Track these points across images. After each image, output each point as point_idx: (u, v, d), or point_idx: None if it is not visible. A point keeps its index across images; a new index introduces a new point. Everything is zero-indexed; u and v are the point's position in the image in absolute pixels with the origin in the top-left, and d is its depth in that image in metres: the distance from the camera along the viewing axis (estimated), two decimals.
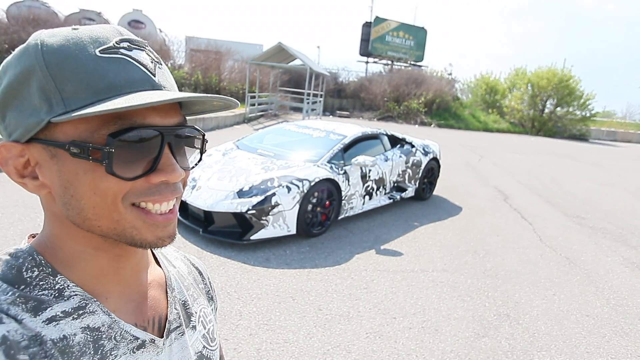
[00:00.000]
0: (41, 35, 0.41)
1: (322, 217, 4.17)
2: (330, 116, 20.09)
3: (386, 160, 5.03)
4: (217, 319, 0.67)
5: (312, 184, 3.88)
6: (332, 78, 22.31)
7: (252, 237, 3.66)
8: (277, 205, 3.69)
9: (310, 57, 17.23)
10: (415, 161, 5.49)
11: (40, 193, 0.44)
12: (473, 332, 2.74)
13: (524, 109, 22.59)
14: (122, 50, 0.41)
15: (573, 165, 11.74)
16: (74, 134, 0.40)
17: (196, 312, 0.58)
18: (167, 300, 0.54)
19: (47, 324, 0.41)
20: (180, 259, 0.64)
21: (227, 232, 3.76)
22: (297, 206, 3.80)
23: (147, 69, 0.42)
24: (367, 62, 26.18)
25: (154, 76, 0.42)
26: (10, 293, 0.40)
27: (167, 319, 0.52)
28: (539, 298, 3.30)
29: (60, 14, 16.47)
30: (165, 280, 0.56)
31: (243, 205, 3.65)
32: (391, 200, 5.18)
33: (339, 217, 4.41)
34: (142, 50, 0.43)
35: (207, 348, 0.58)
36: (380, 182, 4.90)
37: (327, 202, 4.16)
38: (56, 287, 0.43)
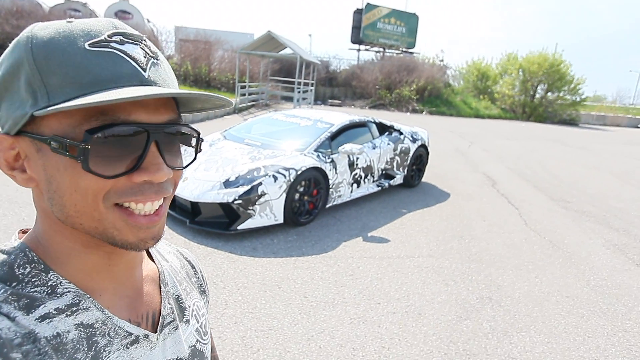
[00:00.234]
0: (34, 29, 0.41)
1: (310, 206, 4.19)
2: (322, 105, 20.00)
3: (374, 148, 5.04)
4: (209, 312, 0.69)
5: (299, 172, 3.89)
6: (323, 66, 22.14)
7: (239, 227, 3.68)
8: (263, 194, 3.70)
9: (301, 45, 17.07)
10: (403, 148, 5.51)
11: (28, 186, 0.44)
12: (455, 315, 2.80)
13: (515, 95, 22.65)
14: (113, 44, 0.40)
15: (562, 150, 11.85)
16: (57, 128, 0.39)
17: (189, 306, 0.58)
18: (161, 295, 0.54)
19: (40, 322, 0.40)
20: (173, 253, 0.64)
21: (214, 223, 3.77)
22: (284, 195, 3.82)
23: (138, 64, 0.40)
24: (359, 50, 25.99)
25: (144, 71, 0.41)
26: (2, 291, 0.40)
27: (160, 313, 0.52)
28: (521, 281, 3.37)
29: (44, 6, 16.09)
30: (158, 275, 0.56)
31: (229, 196, 3.66)
32: (379, 188, 5.21)
33: (327, 206, 4.44)
34: (137, 44, 0.42)
35: (200, 342, 0.58)
36: (368, 170, 4.93)
37: (315, 191, 4.18)
38: (49, 284, 0.43)
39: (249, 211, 3.68)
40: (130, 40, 0.41)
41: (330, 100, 21.34)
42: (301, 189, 4.04)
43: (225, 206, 3.70)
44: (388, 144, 5.28)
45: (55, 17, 14.73)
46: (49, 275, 0.43)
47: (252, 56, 16.09)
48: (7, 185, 4.16)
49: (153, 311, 0.52)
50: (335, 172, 4.37)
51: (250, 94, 15.18)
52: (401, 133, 5.60)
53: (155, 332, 0.50)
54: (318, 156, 4.22)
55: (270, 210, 3.78)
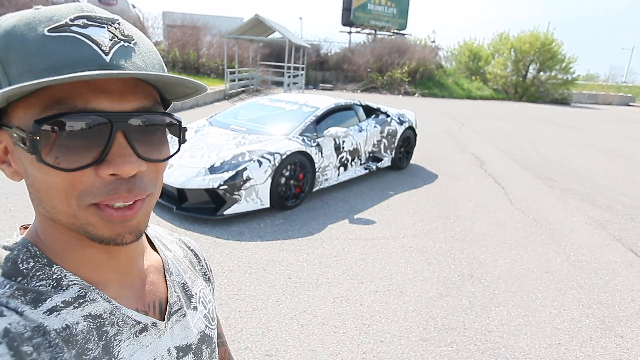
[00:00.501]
0: (2, 18, 0.39)
1: (296, 190, 4.22)
2: (314, 89, 19.84)
3: (360, 131, 5.05)
4: (215, 298, 0.69)
5: (284, 157, 3.90)
6: (314, 50, 21.87)
7: (225, 212, 3.70)
8: (248, 179, 3.72)
9: (292, 28, 16.83)
10: (390, 131, 5.52)
11: (15, 180, 0.43)
12: (436, 292, 2.87)
13: (507, 75, 22.58)
14: (73, 28, 0.37)
15: (552, 129, 11.91)
16: (22, 120, 0.38)
17: (196, 294, 0.59)
18: (167, 284, 0.54)
19: (48, 315, 0.40)
20: (175, 243, 0.64)
21: (201, 209, 3.79)
22: (270, 180, 3.84)
23: (100, 47, 0.38)
24: (350, 33, 25.64)
25: (106, 55, 0.38)
26: (7, 286, 0.40)
27: (167, 302, 0.53)
28: (502, 258, 3.45)
29: None
30: (162, 264, 0.56)
31: (215, 181, 3.67)
32: (367, 171, 5.24)
33: (314, 189, 4.47)
34: (103, 27, 0.39)
35: (208, 327, 0.59)
36: (354, 153, 4.94)
37: (301, 175, 4.20)
38: (54, 277, 0.43)
39: (234, 196, 3.70)
40: (95, 23, 0.39)
41: (321, 85, 21.16)
42: (287, 173, 4.06)
43: (211, 192, 3.72)
44: (375, 126, 5.29)
45: (36, 3, 14.34)
46: (53, 268, 0.43)
47: (241, 41, 15.85)
48: None
49: (160, 300, 0.53)
50: (321, 156, 4.38)
51: (240, 80, 15.00)
52: (388, 115, 5.60)
53: (163, 320, 0.51)
54: (303, 140, 4.23)
55: (256, 195, 3.80)
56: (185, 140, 0.48)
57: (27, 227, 0.48)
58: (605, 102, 25.73)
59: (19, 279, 0.42)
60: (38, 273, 0.43)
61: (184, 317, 0.54)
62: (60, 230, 0.44)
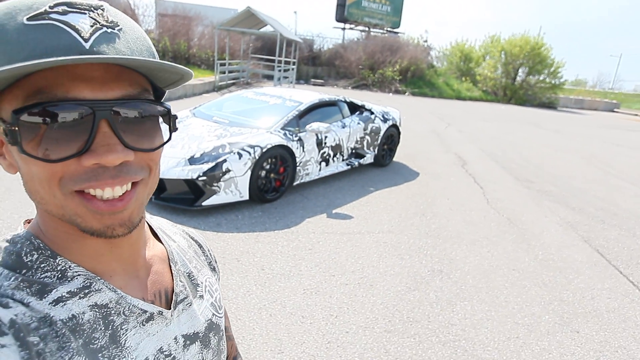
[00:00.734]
0: None
1: (277, 183, 4.26)
2: (305, 84, 19.83)
3: (343, 127, 5.10)
4: (221, 288, 0.71)
5: (264, 150, 3.94)
6: (306, 45, 21.82)
7: (203, 203, 3.73)
8: (228, 171, 3.75)
9: (286, 22, 16.76)
10: (374, 128, 5.59)
11: (10, 172, 0.43)
12: (405, 286, 2.95)
13: (496, 77, 22.84)
14: (52, 15, 0.36)
15: (536, 132, 12.13)
16: (6, 111, 0.38)
17: (202, 282, 0.59)
18: (172, 274, 0.55)
19: (54, 305, 0.41)
20: (179, 234, 0.64)
21: (180, 199, 3.81)
22: (249, 172, 3.87)
23: (80, 34, 0.37)
24: (343, 29, 25.63)
25: (86, 41, 0.37)
26: (12, 278, 0.40)
27: (173, 291, 0.53)
28: (473, 255, 3.55)
29: None
30: (167, 254, 0.56)
31: (194, 172, 3.69)
32: (349, 167, 5.31)
33: (295, 183, 4.51)
34: (84, 13, 0.38)
35: (215, 315, 0.59)
36: (337, 148, 5.00)
37: (281, 169, 4.25)
38: (58, 269, 0.43)
39: (213, 187, 3.72)
40: (76, 10, 0.38)
41: (313, 80, 21.15)
42: (267, 167, 4.09)
43: (190, 182, 3.74)
44: (358, 123, 5.35)
45: None
46: (57, 260, 0.44)
47: (233, 33, 15.74)
48: None
49: (165, 289, 0.53)
50: (303, 150, 4.42)
51: (230, 72, 14.93)
52: (372, 113, 5.67)
53: (170, 309, 0.51)
54: (285, 134, 4.27)
55: (235, 187, 3.83)
56: (177, 129, 0.47)
57: (31, 221, 0.49)
58: (591, 107, 26.23)
59: (24, 271, 0.42)
60: (42, 265, 0.43)
61: (190, 305, 0.55)
62: (59, 223, 0.44)
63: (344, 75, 21.82)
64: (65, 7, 0.38)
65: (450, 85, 22.59)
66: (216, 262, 0.70)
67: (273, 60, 16.31)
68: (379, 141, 5.73)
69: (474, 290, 2.98)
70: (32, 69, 0.34)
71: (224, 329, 0.62)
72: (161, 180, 3.81)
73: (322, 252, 3.32)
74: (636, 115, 24.52)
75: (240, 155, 3.81)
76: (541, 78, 22.90)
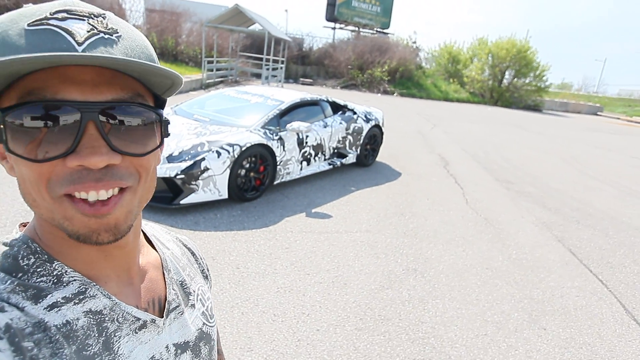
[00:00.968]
0: None
1: (257, 182, 4.26)
2: (294, 83, 19.81)
3: (325, 127, 5.12)
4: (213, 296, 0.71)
5: (243, 149, 3.93)
6: (295, 44, 21.80)
7: (181, 202, 3.71)
8: (206, 169, 3.74)
9: (277, 21, 16.69)
10: (356, 128, 5.62)
11: (12, 174, 0.43)
12: (379, 284, 2.98)
13: (483, 80, 23.14)
14: (51, 21, 0.38)
15: (520, 134, 12.33)
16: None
17: (194, 291, 0.59)
18: (165, 282, 0.55)
19: (49, 311, 0.41)
20: (172, 241, 0.65)
21: (158, 197, 3.78)
22: (228, 171, 3.87)
23: (74, 38, 0.37)
24: (334, 28, 25.67)
25: (79, 45, 0.37)
26: (9, 282, 0.40)
27: (166, 299, 0.53)
28: (448, 254, 3.60)
29: None
30: (161, 262, 0.56)
31: (172, 170, 3.67)
32: (331, 167, 5.33)
33: (275, 182, 4.52)
34: (83, 20, 0.39)
35: (206, 325, 0.59)
36: (318, 148, 5.02)
37: (261, 167, 4.25)
38: (54, 274, 0.43)
39: (191, 186, 3.71)
40: (75, 17, 0.39)
41: (302, 79, 21.14)
42: (247, 165, 4.09)
43: (168, 181, 3.72)
44: (340, 123, 5.37)
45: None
46: (54, 265, 0.44)
47: (222, 31, 15.64)
48: None
49: (159, 297, 0.53)
50: (283, 150, 4.43)
51: (218, 70, 14.83)
52: (354, 113, 5.70)
53: (162, 317, 0.52)
54: (265, 133, 4.27)
55: (213, 186, 3.82)
56: (168, 135, 0.47)
57: (26, 225, 0.48)
58: (575, 110, 26.73)
59: (20, 275, 0.42)
60: (39, 269, 0.43)
61: (182, 314, 0.55)
62: (54, 228, 0.44)
63: (333, 75, 21.86)
64: (65, 14, 0.39)
65: (438, 86, 22.81)
66: (208, 270, 0.70)
67: (261, 59, 16.27)
68: (361, 141, 5.76)
69: (446, 289, 3.03)
70: (19, 69, 0.35)
71: (215, 339, 0.62)
72: None
73: (298, 251, 3.33)
74: (618, 118, 25.09)
75: (219, 154, 3.80)
76: (527, 81, 23.26)
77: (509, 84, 23.40)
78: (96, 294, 0.45)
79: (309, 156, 4.88)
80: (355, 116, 5.66)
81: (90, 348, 0.42)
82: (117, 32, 0.41)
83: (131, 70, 0.40)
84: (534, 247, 3.98)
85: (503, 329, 2.65)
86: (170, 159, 3.76)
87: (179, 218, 3.66)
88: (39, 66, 0.36)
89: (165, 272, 0.56)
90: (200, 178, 3.73)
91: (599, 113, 27.33)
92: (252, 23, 14.43)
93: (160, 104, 0.46)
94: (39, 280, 0.42)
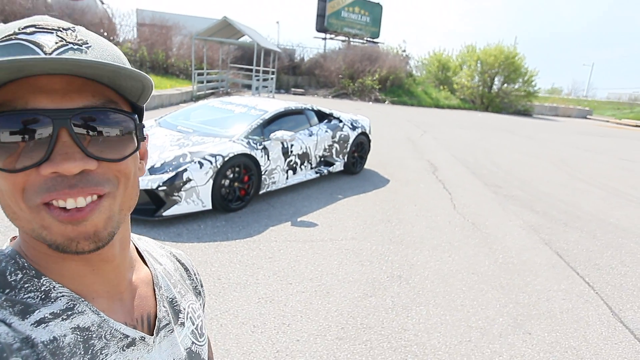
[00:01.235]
0: None
1: (241, 192, 4.23)
2: (285, 94, 19.90)
3: (311, 135, 5.12)
4: (205, 313, 0.69)
5: (226, 159, 3.91)
6: (286, 55, 21.96)
7: (164, 213, 3.67)
8: (189, 180, 3.70)
9: (268, 32, 16.82)
10: (342, 136, 5.63)
11: None
12: (362, 292, 2.94)
13: (473, 86, 23.39)
14: (20, 36, 0.38)
15: (509, 138, 12.42)
16: None
17: (184, 309, 0.58)
18: (156, 299, 0.54)
19: (36, 327, 0.40)
20: (166, 256, 0.64)
21: (140, 210, 3.74)
22: (211, 181, 3.84)
23: (42, 50, 0.38)
24: (324, 39, 25.93)
25: (47, 55, 0.38)
26: None
27: (156, 316, 0.52)
28: (434, 260, 3.58)
29: None
30: (152, 278, 0.55)
31: (154, 182, 3.63)
32: (318, 175, 5.31)
33: (261, 192, 4.49)
34: (51, 32, 0.39)
35: (195, 344, 0.58)
36: (304, 156, 5.01)
37: (246, 177, 4.22)
38: (42, 289, 0.43)
39: (174, 197, 3.67)
40: (44, 30, 0.39)
41: (293, 89, 21.25)
42: (231, 175, 4.06)
43: (151, 193, 3.68)
44: (326, 131, 5.37)
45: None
46: (42, 280, 0.43)
47: (212, 43, 15.73)
48: None
49: (148, 314, 0.52)
50: (268, 159, 4.41)
51: (209, 82, 14.87)
52: (340, 121, 5.71)
53: (152, 334, 0.51)
54: (248, 143, 4.25)
55: (197, 197, 3.79)
56: (144, 139, 0.47)
57: (16, 239, 0.47)
58: (564, 114, 27.04)
59: (7, 290, 0.41)
60: (26, 285, 0.42)
61: (171, 332, 0.54)
62: (37, 243, 0.43)
63: (324, 85, 22.00)
64: (33, 29, 0.39)
65: (428, 93, 23.02)
66: (202, 286, 0.69)
67: (252, 70, 16.35)
68: (348, 149, 5.76)
69: (431, 295, 3.00)
70: None
71: (207, 358, 0.61)
72: None
73: (282, 260, 3.29)
74: (607, 121, 25.41)
75: (201, 165, 3.77)
76: (516, 86, 23.55)
77: (498, 90, 23.68)
78: (84, 310, 0.44)
79: (294, 165, 4.86)
80: (341, 124, 5.67)
81: None
82: (87, 43, 0.41)
83: (100, 76, 0.39)
84: (521, 251, 3.97)
85: (487, 335, 2.61)
86: (152, 170, 3.73)
87: (162, 230, 3.61)
88: (5, 75, 0.35)
89: (156, 288, 0.55)
90: (182, 189, 3.69)
91: (588, 116, 27.68)
92: (242, 35, 14.54)
93: (138, 112, 0.46)
94: (26, 296, 0.42)
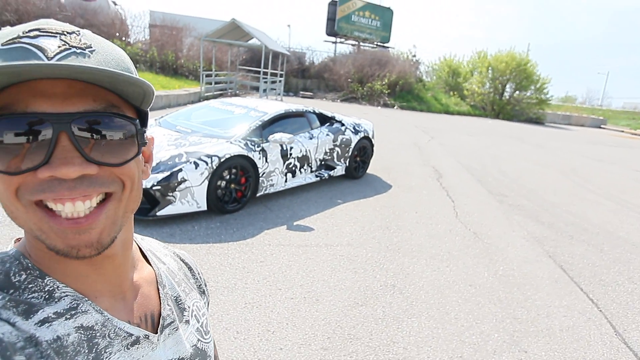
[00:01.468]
0: None
1: (238, 194, 4.17)
2: (294, 96, 19.90)
3: (311, 138, 5.05)
4: (209, 312, 0.69)
5: (222, 160, 3.86)
6: (295, 58, 21.99)
7: (158, 213, 3.63)
8: (183, 181, 3.66)
9: (278, 36, 16.87)
10: (344, 140, 5.55)
11: None
12: (353, 301, 2.85)
13: (484, 92, 23.13)
14: (24, 39, 0.38)
15: (518, 146, 12.20)
16: None
17: (189, 307, 0.59)
18: (159, 297, 0.54)
19: (40, 326, 0.40)
20: (169, 256, 0.64)
21: None
22: (206, 182, 3.79)
23: (45, 54, 0.38)
24: (334, 43, 25.92)
25: (49, 59, 0.38)
26: (0, 297, 0.41)
27: (160, 315, 0.53)
28: (430, 269, 3.47)
29: None
30: (155, 277, 0.56)
31: (148, 181, 3.59)
32: (319, 179, 5.24)
33: (258, 194, 4.43)
34: (54, 36, 0.40)
35: (201, 341, 0.59)
36: (304, 160, 4.94)
37: (243, 179, 4.17)
38: (46, 289, 0.43)
39: (168, 197, 3.63)
40: (47, 34, 0.39)
41: (302, 92, 21.25)
42: (228, 177, 4.01)
43: (145, 192, 3.64)
44: (327, 134, 5.30)
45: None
46: (45, 280, 0.44)
47: (221, 45, 15.81)
48: None
49: (152, 313, 0.53)
50: (266, 161, 4.35)
51: (217, 83, 14.94)
52: (342, 124, 5.63)
53: (156, 333, 0.51)
54: (246, 144, 4.20)
55: (191, 197, 3.74)
56: (145, 143, 0.46)
57: (21, 240, 0.48)
58: (578, 123, 26.58)
59: (11, 291, 0.42)
60: (30, 285, 0.43)
61: (176, 330, 0.54)
62: (39, 242, 0.43)
63: (333, 88, 21.96)
64: (37, 32, 0.39)
65: (438, 99, 22.82)
66: (206, 285, 0.69)
67: (259, 72, 16.38)
68: (350, 153, 5.68)
69: (424, 306, 2.89)
70: None
71: (212, 355, 0.61)
72: None
73: (273, 264, 3.22)
74: (622, 131, 24.89)
75: (196, 165, 3.73)
76: (528, 94, 23.22)
77: (510, 97, 23.36)
78: (88, 309, 0.45)
79: (294, 168, 4.80)
80: (343, 128, 5.59)
81: None
82: (91, 47, 0.41)
83: (100, 81, 0.39)
84: (523, 263, 3.83)
85: (480, 351, 2.50)
86: None
87: (155, 230, 3.57)
88: (5, 80, 0.36)
89: (159, 287, 0.55)
90: (177, 189, 3.64)
91: (602, 126, 27.15)
92: (251, 37, 14.58)
93: (142, 116, 0.47)
94: (30, 296, 0.42)
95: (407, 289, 3.10)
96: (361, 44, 25.45)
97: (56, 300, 0.43)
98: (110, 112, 0.41)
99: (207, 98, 13.75)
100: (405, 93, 22.07)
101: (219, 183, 3.93)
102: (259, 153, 4.27)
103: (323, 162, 5.31)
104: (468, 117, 21.66)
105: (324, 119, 5.50)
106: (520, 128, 19.14)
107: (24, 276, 0.43)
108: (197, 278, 0.67)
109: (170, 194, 3.63)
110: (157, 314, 0.53)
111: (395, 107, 20.74)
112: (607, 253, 4.36)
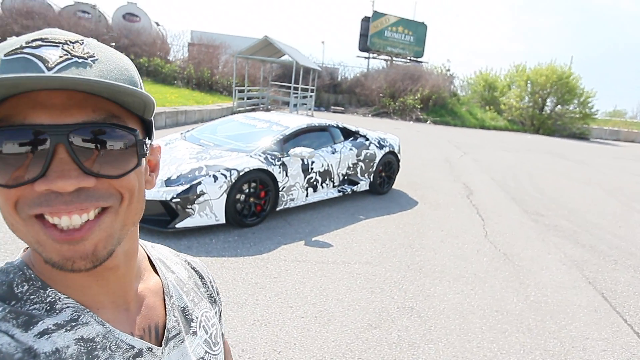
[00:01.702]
0: None
1: (257, 208, 4.16)
2: (325, 111, 20.04)
3: (333, 153, 4.99)
4: (221, 321, 0.68)
5: (241, 173, 3.87)
6: (327, 73, 22.22)
7: (177, 225, 3.67)
8: (202, 194, 3.69)
9: (312, 52, 17.19)
10: (368, 154, 5.44)
11: None
12: (367, 323, 2.71)
13: (523, 107, 22.25)
14: (26, 50, 0.38)
15: (558, 162, 11.55)
16: None
17: (197, 318, 0.58)
18: (165, 308, 0.53)
19: (39, 338, 0.40)
20: (180, 264, 0.63)
21: (155, 220, 3.77)
22: (225, 195, 3.80)
23: (46, 64, 0.38)
24: (367, 58, 26.00)
25: (49, 70, 0.38)
26: (0, 309, 0.41)
27: (165, 327, 0.52)
28: (453, 292, 3.26)
29: (55, 7, 16.65)
30: (162, 287, 0.55)
31: (168, 194, 3.66)
32: (341, 194, 5.15)
33: (278, 209, 4.40)
34: (57, 46, 0.39)
35: (209, 353, 0.57)
36: (326, 174, 4.87)
37: (263, 193, 4.15)
38: (47, 301, 0.43)
39: (187, 210, 3.67)
40: (49, 44, 0.39)
41: (333, 107, 21.37)
42: (247, 191, 4.01)
43: (166, 204, 3.71)
44: (350, 149, 5.22)
45: (64, 18, 15.23)
46: (47, 291, 0.44)
47: (253, 61, 16.26)
48: None
49: (156, 324, 0.51)
50: (286, 175, 4.33)
51: (249, 98, 15.32)
52: (367, 139, 5.54)
53: (160, 345, 0.50)
54: (266, 158, 4.20)
55: (210, 210, 3.76)
56: (145, 154, 0.45)
57: (27, 250, 0.48)
58: (627, 139, 24.92)
59: (13, 302, 0.42)
60: (32, 297, 0.43)
61: (182, 342, 0.53)
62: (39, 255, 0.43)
63: (364, 103, 21.93)
64: (39, 42, 0.39)
65: (473, 114, 22.19)
66: (218, 294, 0.68)
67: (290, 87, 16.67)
68: (374, 168, 5.56)
69: (443, 332, 2.70)
70: None
71: None
72: None
73: (287, 281, 3.14)
74: None
75: (215, 178, 3.75)
76: (571, 108, 22.10)
77: (551, 112, 22.33)
78: (89, 321, 0.44)
79: (315, 182, 4.74)
80: (367, 142, 5.49)
81: None
82: (94, 56, 0.40)
83: (99, 92, 0.39)
84: (558, 289, 3.53)
85: None
86: (169, 182, 3.76)
87: (173, 242, 3.60)
88: (4, 92, 0.35)
89: (166, 297, 0.54)
90: (196, 202, 3.68)
91: None
92: (283, 54, 14.90)
93: (146, 125, 0.46)
94: (32, 307, 0.42)
95: (427, 313, 2.92)
96: (394, 58, 25.37)
97: (57, 311, 0.43)
98: (109, 123, 0.40)
99: (239, 113, 14.12)
100: (439, 108, 21.65)
101: (238, 197, 3.94)
102: (279, 167, 4.25)
103: (346, 177, 5.22)
104: (505, 132, 20.86)
105: (347, 134, 5.44)
106: (562, 144, 18.17)
107: (26, 287, 0.43)
108: (208, 287, 0.65)
109: (189, 206, 3.67)
110: (162, 326, 0.52)
111: (428, 122, 20.36)
112: None
